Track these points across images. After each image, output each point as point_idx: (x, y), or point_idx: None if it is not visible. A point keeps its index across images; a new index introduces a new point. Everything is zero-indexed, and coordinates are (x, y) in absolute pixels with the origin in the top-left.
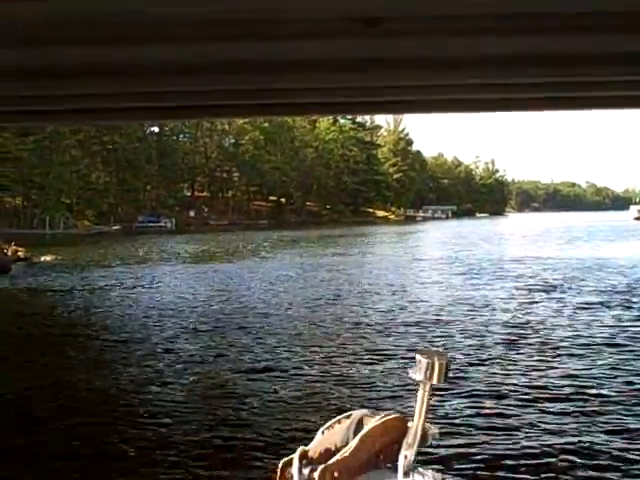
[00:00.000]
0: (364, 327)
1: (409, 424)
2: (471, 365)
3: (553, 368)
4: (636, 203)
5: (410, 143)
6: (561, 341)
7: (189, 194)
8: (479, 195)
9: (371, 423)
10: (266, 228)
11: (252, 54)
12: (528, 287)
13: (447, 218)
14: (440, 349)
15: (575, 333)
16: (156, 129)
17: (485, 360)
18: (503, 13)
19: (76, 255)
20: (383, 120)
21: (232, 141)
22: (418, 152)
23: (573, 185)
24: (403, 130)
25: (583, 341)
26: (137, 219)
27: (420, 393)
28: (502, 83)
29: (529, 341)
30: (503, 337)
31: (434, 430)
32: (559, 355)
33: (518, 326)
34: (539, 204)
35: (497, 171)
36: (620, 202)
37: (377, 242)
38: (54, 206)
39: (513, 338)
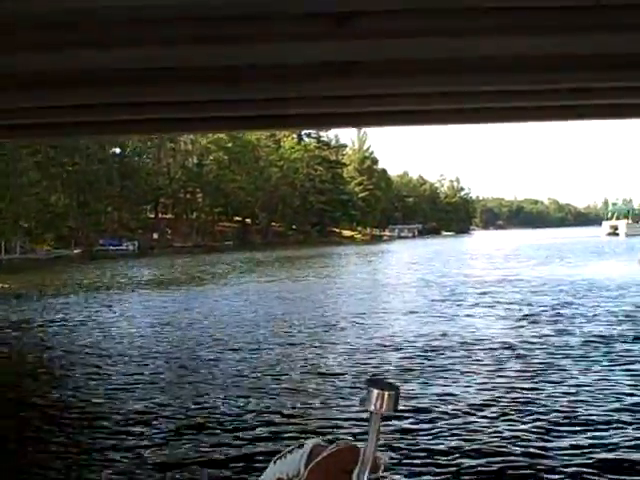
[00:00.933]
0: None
1: (361, 453)
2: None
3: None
4: (608, 219)
5: (375, 162)
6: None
7: (152, 216)
8: (444, 213)
9: (323, 453)
10: (231, 249)
11: (204, 59)
12: (525, 317)
13: (414, 237)
14: (390, 379)
15: (601, 379)
16: (118, 150)
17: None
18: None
19: (29, 282)
20: (348, 139)
21: (196, 161)
22: (383, 171)
23: (536, 202)
24: (368, 149)
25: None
26: (99, 242)
27: (371, 423)
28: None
29: (547, 402)
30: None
31: (385, 459)
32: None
33: (530, 377)
34: (503, 221)
35: (462, 189)
36: (583, 218)
37: (343, 264)
38: (11, 230)
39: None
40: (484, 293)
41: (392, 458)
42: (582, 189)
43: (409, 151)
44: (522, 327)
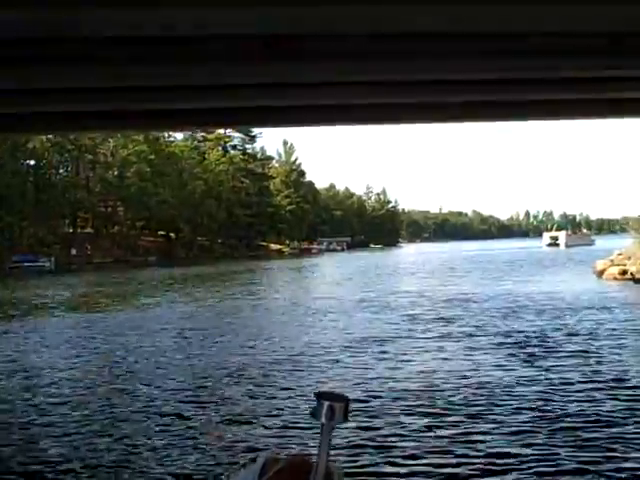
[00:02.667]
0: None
1: (314, 465)
2: None
3: None
4: (548, 230)
5: (302, 174)
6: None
7: (70, 231)
8: (372, 226)
9: (275, 467)
10: (155, 265)
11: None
12: (517, 350)
13: (342, 250)
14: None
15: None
16: (32, 162)
17: None
18: None
19: None
20: (274, 151)
21: (116, 174)
22: (310, 183)
23: (460, 214)
24: (295, 161)
25: None
26: (11, 259)
27: (322, 434)
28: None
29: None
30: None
31: (339, 470)
32: None
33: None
34: (429, 234)
35: (389, 202)
36: (505, 230)
37: (272, 281)
38: None
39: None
40: (440, 317)
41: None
42: (503, 200)
43: (335, 163)
44: (518, 366)
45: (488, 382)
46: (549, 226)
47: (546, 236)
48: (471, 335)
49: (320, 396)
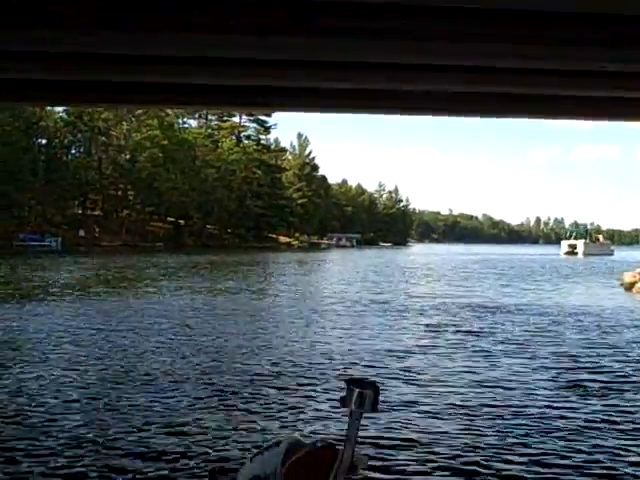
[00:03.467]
0: None
1: (339, 453)
2: None
3: None
4: (566, 238)
5: (315, 168)
6: None
7: (80, 212)
8: (382, 224)
9: (299, 452)
10: (162, 251)
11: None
12: (536, 372)
13: (352, 247)
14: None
15: None
16: (44, 141)
17: None
18: None
19: None
20: (288, 143)
21: (128, 157)
22: (323, 178)
23: (471, 218)
24: (309, 154)
25: None
26: (18, 237)
27: (351, 422)
28: None
29: None
30: None
31: (364, 459)
32: None
33: None
34: (438, 235)
35: (400, 200)
36: (515, 236)
37: (278, 274)
38: None
39: None
40: (469, 330)
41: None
42: (515, 206)
43: (348, 157)
44: (578, 401)
45: (558, 426)
46: (567, 234)
47: (564, 244)
48: (510, 354)
49: (350, 383)
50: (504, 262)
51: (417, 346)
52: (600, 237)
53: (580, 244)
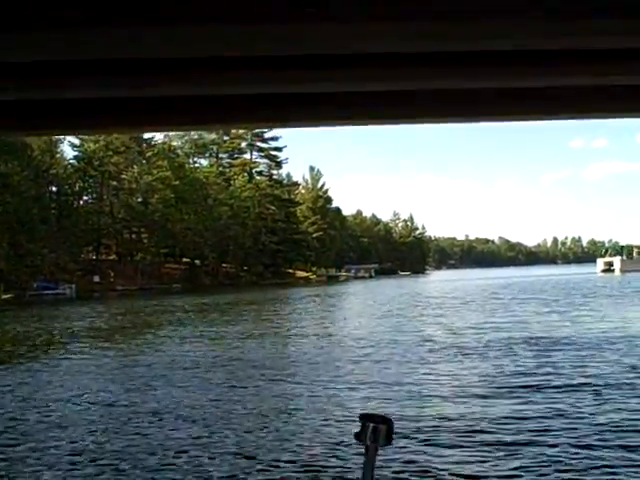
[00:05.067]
0: None
1: None
2: None
3: None
4: (602, 256)
5: (329, 200)
6: None
7: (94, 257)
8: (399, 253)
9: None
10: (179, 292)
11: None
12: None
13: (370, 277)
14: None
15: None
16: (54, 188)
17: None
18: None
19: None
20: (300, 177)
21: (140, 200)
22: (337, 210)
23: (487, 241)
24: (322, 187)
25: None
26: (32, 286)
27: (366, 456)
28: None
29: None
30: None
31: None
32: None
33: None
34: (455, 261)
35: (416, 228)
36: (533, 257)
37: (296, 312)
38: None
39: None
40: (532, 371)
41: None
42: (531, 228)
43: (361, 189)
44: None
45: None
46: (603, 252)
47: (600, 262)
48: (596, 414)
49: (364, 418)
50: (535, 284)
51: (470, 386)
52: (637, 253)
53: (617, 261)
